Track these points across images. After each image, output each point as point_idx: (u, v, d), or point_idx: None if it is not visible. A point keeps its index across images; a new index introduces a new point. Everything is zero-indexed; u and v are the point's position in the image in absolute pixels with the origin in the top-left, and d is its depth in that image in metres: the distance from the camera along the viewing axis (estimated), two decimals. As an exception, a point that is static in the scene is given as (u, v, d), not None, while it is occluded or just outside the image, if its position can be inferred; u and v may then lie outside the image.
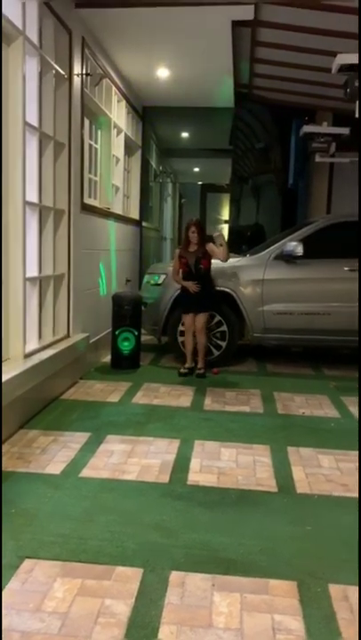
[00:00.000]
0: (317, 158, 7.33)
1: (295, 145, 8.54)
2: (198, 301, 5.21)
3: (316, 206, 8.32)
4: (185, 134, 10.67)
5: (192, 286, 5.16)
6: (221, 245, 5.20)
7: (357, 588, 2.08)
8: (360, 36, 4.07)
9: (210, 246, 5.20)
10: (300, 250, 5.48)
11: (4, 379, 3.35)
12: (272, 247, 5.75)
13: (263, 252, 5.77)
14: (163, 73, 6.48)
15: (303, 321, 5.54)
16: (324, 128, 6.98)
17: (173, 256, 5.38)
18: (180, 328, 5.57)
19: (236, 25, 5.05)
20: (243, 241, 9.87)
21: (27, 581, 2.09)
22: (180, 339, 5.60)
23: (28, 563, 2.21)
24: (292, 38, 5.27)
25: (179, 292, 5.42)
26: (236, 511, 2.71)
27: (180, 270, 5.26)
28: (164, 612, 1.94)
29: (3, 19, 3.49)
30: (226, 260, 5.29)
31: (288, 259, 5.56)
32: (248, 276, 5.63)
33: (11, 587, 2.05)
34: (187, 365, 5.36)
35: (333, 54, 4.33)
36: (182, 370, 5.34)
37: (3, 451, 3.31)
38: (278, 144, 9.44)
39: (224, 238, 5.33)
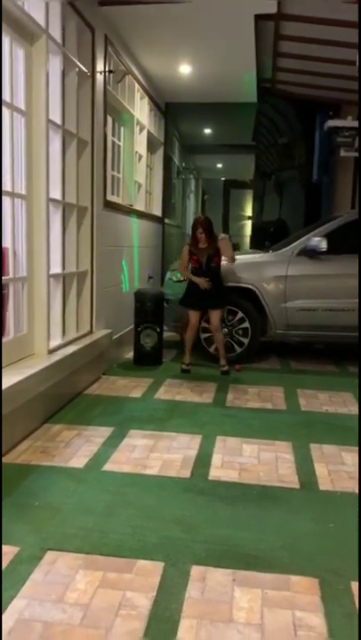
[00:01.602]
0: (342, 153, 7.23)
1: (319, 139, 8.46)
2: (209, 298, 5.17)
3: (340, 201, 8.23)
4: (208, 130, 10.64)
5: (203, 283, 5.11)
6: (227, 247, 5.17)
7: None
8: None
9: (221, 244, 5.13)
10: (323, 245, 5.42)
11: (28, 373, 3.40)
12: (295, 243, 5.69)
13: (286, 248, 5.72)
14: (185, 69, 6.47)
15: (327, 317, 5.48)
16: (349, 122, 6.88)
17: (182, 250, 5.32)
18: (204, 325, 5.56)
19: (260, 19, 5.02)
20: (266, 237, 9.82)
21: (49, 573, 2.12)
22: (203, 336, 5.59)
23: (50, 555, 2.24)
24: (316, 31, 5.21)
25: (185, 287, 5.35)
26: (257, 507, 2.70)
27: (190, 265, 5.22)
28: (184, 606, 1.95)
29: (27, 17, 3.53)
30: (232, 262, 5.27)
31: (312, 254, 5.51)
32: (271, 272, 5.59)
33: (34, 578, 2.09)
34: (187, 361, 5.33)
35: (358, 47, 4.27)
36: (184, 366, 5.31)
37: (27, 445, 3.36)
38: (302, 139, 9.36)
39: (229, 244, 5.26)
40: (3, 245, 3.63)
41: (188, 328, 5.33)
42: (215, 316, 5.20)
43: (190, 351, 5.35)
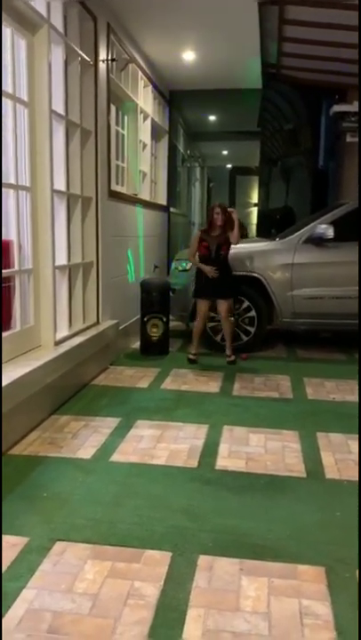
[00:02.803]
0: (348, 138, 7.18)
1: (325, 125, 8.38)
2: (216, 287, 5.12)
3: (347, 188, 8.14)
4: (213, 117, 10.56)
5: (211, 271, 5.07)
6: (234, 222, 5.09)
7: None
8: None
9: (232, 216, 5.08)
10: (330, 233, 5.39)
11: (36, 365, 3.42)
12: (302, 230, 5.66)
13: (293, 236, 5.69)
14: (189, 56, 6.41)
15: (334, 305, 5.46)
16: (356, 107, 6.82)
17: (193, 237, 5.28)
18: (212, 314, 5.56)
19: (263, 3, 4.94)
20: (272, 224, 9.77)
21: (58, 563, 2.15)
22: (210, 324, 5.59)
23: (59, 545, 2.26)
24: (322, 15, 5.13)
25: (193, 276, 5.34)
26: (264, 496, 2.72)
27: (198, 253, 5.19)
28: (192, 596, 1.97)
29: (28, 7, 3.49)
30: (236, 243, 5.18)
31: (318, 242, 5.48)
32: (277, 260, 5.57)
33: (43, 568, 2.11)
34: (194, 352, 5.29)
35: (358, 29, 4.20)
36: (192, 357, 5.28)
37: (35, 436, 3.39)
38: (308, 124, 9.26)
39: (238, 218, 5.19)
40: (8, 238, 3.64)
41: (197, 317, 5.31)
42: (223, 305, 5.17)
43: (198, 341, 5.34)
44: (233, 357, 5.27)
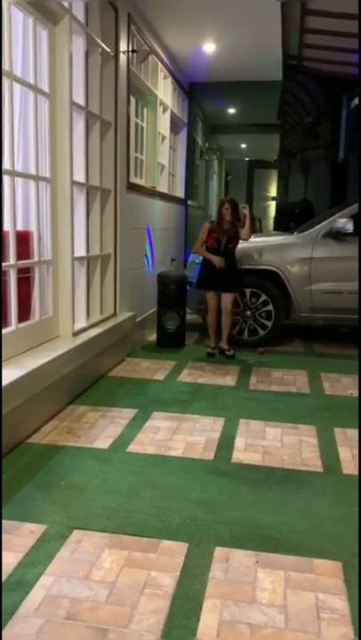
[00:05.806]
0: (369, 131, 7.08)
1: (346, 118, 8.27)
2: (223, 279, 5.13)
3: (367, 181, 8.04)
4: (232, 110, 10.48)
5: (219, 261, 5.08)
6: (245, 218, 5.11)
7: None
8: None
9: (243, 215, 5.13)
10: (350, 227, 5.33)
11: (54, 355, 3.44)
12: (321, 224, 5.61)
13: (312, 230, 5.64)
14: (209, 47, 6.36)
15: (352, 300, 5.40)
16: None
17: (203, 228, 5.28)
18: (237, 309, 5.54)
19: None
20: (291, 218, 9.69)
21: (76, 551, 2.17)
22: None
23: (77, 533, 2.28)
24: (345, 5, 5.05)
25: (199, 267, 5.33)
26: (280, 490, 2.71)
27: (206, 244, 5.18)
28: (208, 587, 1.98)
29: (49, -2, 3.50)
30: (247, 239, 5.22)
31: (338, 236, 5.43)
32: (296, 254, 5.53)
33: (60, 556, 2.13)
34: (212, 345, 5.32)
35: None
36: (210, 350, 5.30)
37: (52, 426, 3.42)
38: (328, 117, 9.16)
39: (250, 214, 5.19)
40: (28, 229, 3.66)
41: (209, 312, 5.32)
42: (227, 298, 5.18)
43: (214, 334, 5.34)
44: (232, 352, 5.23)
